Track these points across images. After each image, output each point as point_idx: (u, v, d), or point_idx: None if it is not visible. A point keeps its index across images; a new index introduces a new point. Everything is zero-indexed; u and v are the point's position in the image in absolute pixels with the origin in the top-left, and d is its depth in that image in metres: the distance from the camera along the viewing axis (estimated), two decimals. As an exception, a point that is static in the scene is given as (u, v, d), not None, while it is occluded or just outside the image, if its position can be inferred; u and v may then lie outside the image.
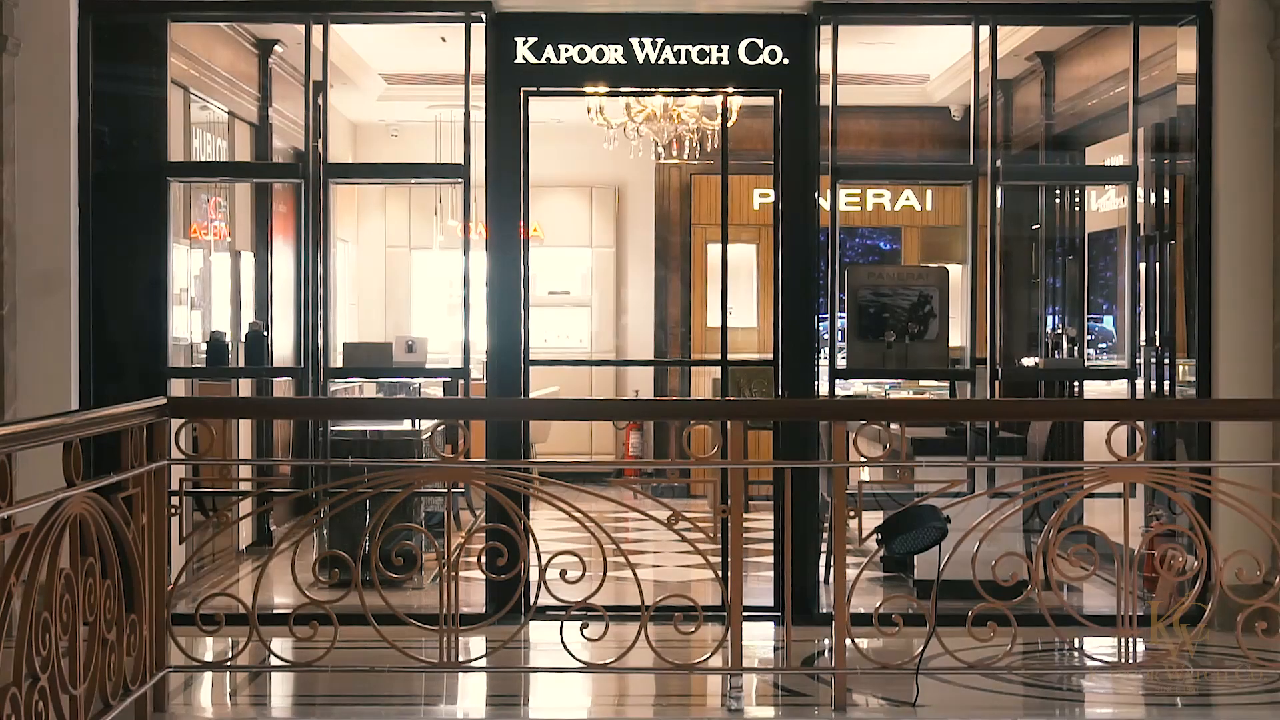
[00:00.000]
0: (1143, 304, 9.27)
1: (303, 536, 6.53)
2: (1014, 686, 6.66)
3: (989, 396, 8.75)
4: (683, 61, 8.71)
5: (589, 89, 9.39)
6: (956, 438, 9.11)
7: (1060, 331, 11.23)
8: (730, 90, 9.08)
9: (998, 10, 8.76)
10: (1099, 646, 6.75)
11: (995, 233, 8.72)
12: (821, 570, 8.69)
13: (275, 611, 7.82)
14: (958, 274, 9.96)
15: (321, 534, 8.69)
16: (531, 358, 8.78)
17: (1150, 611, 6.60)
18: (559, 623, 5.97)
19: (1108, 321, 11.14)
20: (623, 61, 8.69)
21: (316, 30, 8.69)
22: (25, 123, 8.03)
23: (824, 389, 8.66)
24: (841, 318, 9.22)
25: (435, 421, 6.91)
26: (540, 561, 5.97)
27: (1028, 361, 11.35)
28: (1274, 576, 6.21)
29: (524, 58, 8.65)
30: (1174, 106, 8.90)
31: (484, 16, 8.53)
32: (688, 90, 10.06)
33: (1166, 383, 9.18)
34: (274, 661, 6.30)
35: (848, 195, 14.18)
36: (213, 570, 9.49)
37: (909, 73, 12.57)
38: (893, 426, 6.35)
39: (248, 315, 10.65)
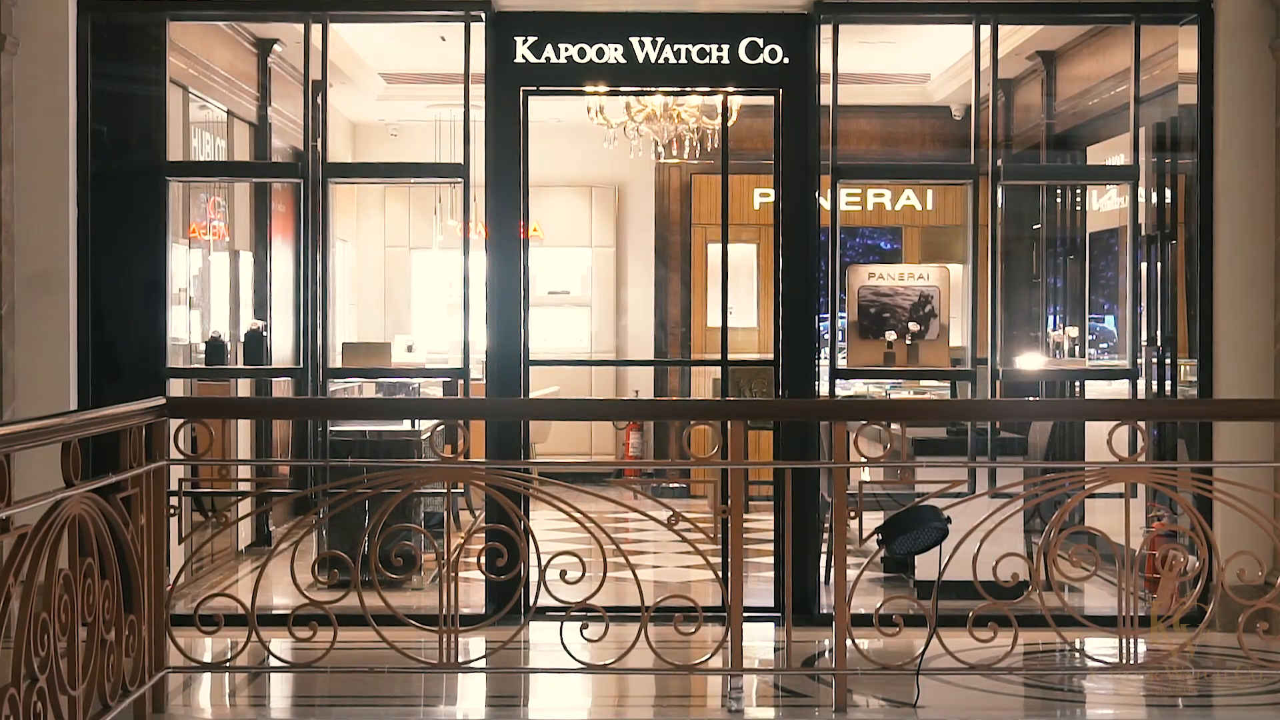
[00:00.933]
0: (1144, 304, 9.25)
1: (302, 537, 6.51)
2: (1015, 687, 6.65)
3: (989, 396, 8.73)
4: (683, 61, 8.70)
5: (589, 88, 9.37)
6: (957, 438, 9.11)
7: (1061, 331, 11.22)
8: (730, 90, 9.06)
9: (998, 9, 8.74)
10: (1100, 647, 6.74)
11: (996, 232, 8.71)
12: (822, 570, 8.68)
13: (274, 612, 7.80)
14: (958, 274, 9.95)
15: (321, 534, 8.68)
16: (531, 358, 8.76)
17: (1151, 612, 6.60)
18: (559, 623, 5.96)
19: (1109, 321, 11.12)
20: (622, 61, 8.68)
21: (316, 29, 8.67)
22: (24, 122, 8.01)
23: (824, 389, 8.65)
24: (842, 318, 9.21)
25: (435, 422, 6.89)
26: (540, 562, 5.96)
27: (1028, 361, 11.34)
28: (1275, 577, 6.21)
29: (524, 57, 8.64)
30: (1175, 106, 8.89)
31: (483, 16, 8.51)
32: (688, 90, 10.03)
33: (1167, 383, 9.16)
34: (273, 662, 6.29)
35: (848, 195, 14.17)
36: (212, 570, 9.47)
37: (909, 72, 12.56)
38: (893, 426, 6.32)
39: (247, 315, 10.62)
